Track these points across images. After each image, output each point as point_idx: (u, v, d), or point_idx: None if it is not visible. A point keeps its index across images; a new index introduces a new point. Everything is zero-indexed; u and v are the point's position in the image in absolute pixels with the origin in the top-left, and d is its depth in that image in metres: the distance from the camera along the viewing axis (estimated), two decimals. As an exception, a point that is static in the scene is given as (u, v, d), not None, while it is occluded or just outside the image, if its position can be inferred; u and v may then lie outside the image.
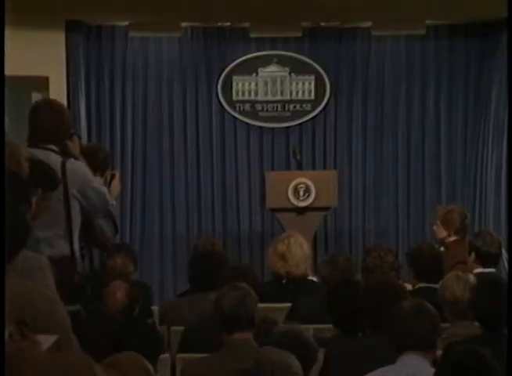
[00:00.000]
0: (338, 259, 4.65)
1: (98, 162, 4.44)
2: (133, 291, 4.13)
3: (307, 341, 3.26)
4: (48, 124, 4.20)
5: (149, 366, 2.60)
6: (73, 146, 4.29)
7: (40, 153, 4.13)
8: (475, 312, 3.65)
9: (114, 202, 4.49)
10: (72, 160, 4.16)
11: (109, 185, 4.48)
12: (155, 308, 4.82)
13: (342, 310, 3.65)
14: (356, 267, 4.67)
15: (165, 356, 3.79)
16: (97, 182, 4.27)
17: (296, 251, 5.04)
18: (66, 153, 4.20)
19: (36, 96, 7.22)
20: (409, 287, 4.53)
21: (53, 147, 4.21)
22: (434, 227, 5.97)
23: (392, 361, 3.16)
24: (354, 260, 4.75)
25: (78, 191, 4.15)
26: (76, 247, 4.12)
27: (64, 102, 6.99)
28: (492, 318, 3.53)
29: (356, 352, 3.48)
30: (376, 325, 3.50)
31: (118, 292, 4.05)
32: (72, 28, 7.22)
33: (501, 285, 3.62)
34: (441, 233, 5.88)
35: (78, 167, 4.19)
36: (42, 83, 7.13)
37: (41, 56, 6.92)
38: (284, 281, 5.00)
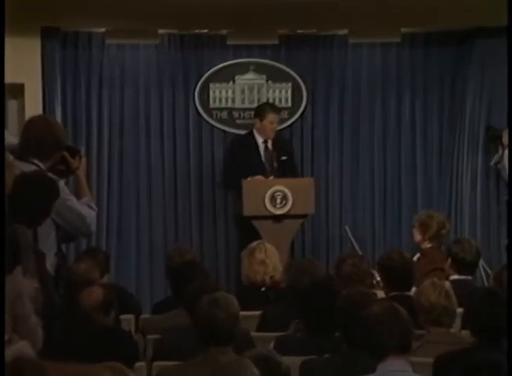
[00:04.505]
0: (302, 263, 4.67)
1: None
2: (108, 297, 4.05)
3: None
4: (36, 139, 4.29)
5: None
6: (73, 162, 4.40)
7: (23, 166, 4.22)
8: (470, 322, 3.64)
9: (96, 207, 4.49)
10: (49, 175, 4.18)
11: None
12: (130, 316, 4.74)
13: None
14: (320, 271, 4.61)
15: (141, 364, 3.77)
16: (77, 203, 4.28)
17: (273, 256, 5.10)
18: (62, 169, 4.33)
19: (11, 103, 7.18)
20: (382, 294, 4.53)
21: (36, 161, 4.27)
22: (413, 229, 6.05)
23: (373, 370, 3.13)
24: (321, 264, 4.73)
25: None
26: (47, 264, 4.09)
27: (39, 109, 7.02)
28: (488, 329, 3.53)
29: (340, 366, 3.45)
30: (353, 341, 3.47)
31: (91, 299, 3.96)
32: (48, 34, 7.17)
33: (497, 295, 3.64)
34: (417, 236, 5.98)
35: None
36: (18, 90, 7.08)
37: (16, 63, 6.86)
38: (263, 289, 5.01)
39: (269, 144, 7.25)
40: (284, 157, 7.22)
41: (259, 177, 7.01)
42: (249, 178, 6.97)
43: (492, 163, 7.51)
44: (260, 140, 7.27)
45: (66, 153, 4.44)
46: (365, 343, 3.18)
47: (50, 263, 4.25)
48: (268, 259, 5.03)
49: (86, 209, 4.39)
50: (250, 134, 7.34)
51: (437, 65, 7.79)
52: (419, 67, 7.81)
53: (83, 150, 4.77)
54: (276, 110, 7.33)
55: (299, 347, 3.70)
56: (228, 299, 3.55)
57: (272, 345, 3.86)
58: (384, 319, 3.14)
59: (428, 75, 7.81)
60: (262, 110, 7.29)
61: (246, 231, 6.95)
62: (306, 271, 4.54)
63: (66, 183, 4.84)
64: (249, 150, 7.24)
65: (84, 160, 4.56)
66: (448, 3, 7.07)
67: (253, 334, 4.21)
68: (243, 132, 7.69)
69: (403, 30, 7.66)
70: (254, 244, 5.28)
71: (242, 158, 7.21)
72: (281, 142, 7.37)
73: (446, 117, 7.84)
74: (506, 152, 7.29)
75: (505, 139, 7.30)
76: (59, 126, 4.65)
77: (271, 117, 7.21)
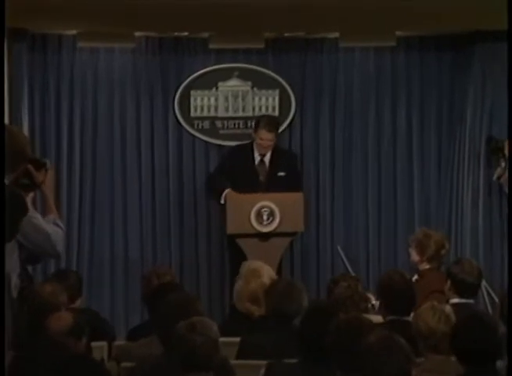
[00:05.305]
0: (284, 286, 4.46)
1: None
2: (78, 323, 3.96)
3: None
4: None
5: None
6: (37, 175, 4.32)
7: None
8: (456, 348, 3.58)
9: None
10: (16, 190, 4.10)
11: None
12: (103, 343, 4.64)
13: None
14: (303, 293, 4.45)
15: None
16: (43, 221, 4.21)
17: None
18: (25, 183, 4.25)
19: (-26, 110, 6.96)
20: (379, 319, 4.40)
21: None
22: (410, 249, 5.94)
23: None
24: (303, 286, 4.54)
25: None
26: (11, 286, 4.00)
27: (5, 117, 6.71)
28: (475, 355, 3.49)
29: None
30: (347, 368, 3.36)
31: (60, 325, 3.88)
32: (15, 37, 7.00)
33: (483, 320, 3.61)
34: (414, 257, 5.88)
35: None
36: (-20, 97, 6.89)
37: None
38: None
39: (266, 158, 7.09)
40: (282, 174, 7.02)
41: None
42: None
43: (494, 177, 7.39)
44: (257, 153, 7.10)
45: (30, 166, 4.35)
46: (362, 373, 3.15)
47: (13, 285, 4.13)
48: (261, 294, 4.70)
49: (52, 227, 4.30)
50: (249, 145, 7.12)
51: (434, 71, 7.72)
52: (415, 73, 7.72)
53: (50, 162, 4.63)
54: (271, 127, 7.00)
55: (291, 374, 3.71)
56: (205, 324, 3.50)
57: (262, 371, 3.81)
58: (381, 351, 3.13)
59: (425, 81, 7.73)
60: (256, 123, 7.08)
61: (231, 250, 6.82)
62: (288, 295, 4.37)
63: (34, 200, 4.61)
64: (243, 163, 7.06)
65: (50, 173, 4.46)
66: (446, 5, 6.90)
67: (233, 361, 4.08)
68: (226, 143, 7.55)
69: (398, 33, 7.57)
70: (250, 267, 5.02)
71: (234, 170, 7.03)
72: (281, 156, 7.11)
73: (445, 126, 7.74)
74: (511, 165, 7.29)
75: (507, 151, 7.20)
76: (23, 136, 4.55)
77: (262, 134, 6.97)
